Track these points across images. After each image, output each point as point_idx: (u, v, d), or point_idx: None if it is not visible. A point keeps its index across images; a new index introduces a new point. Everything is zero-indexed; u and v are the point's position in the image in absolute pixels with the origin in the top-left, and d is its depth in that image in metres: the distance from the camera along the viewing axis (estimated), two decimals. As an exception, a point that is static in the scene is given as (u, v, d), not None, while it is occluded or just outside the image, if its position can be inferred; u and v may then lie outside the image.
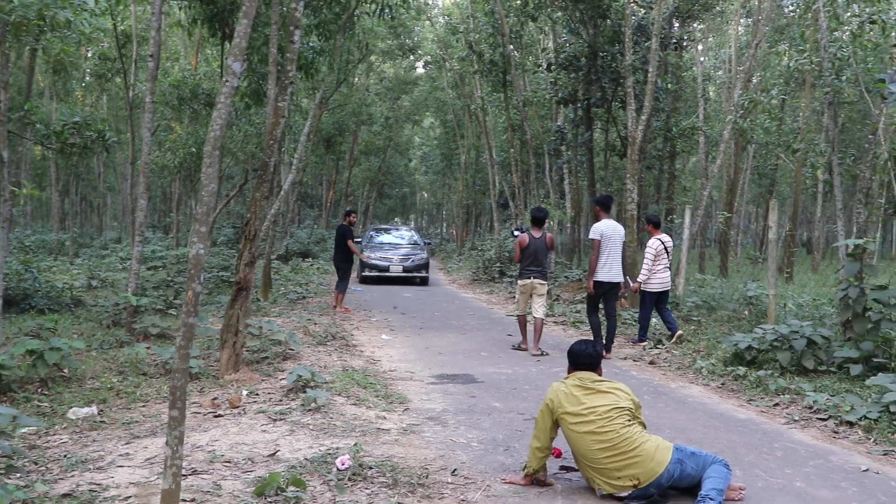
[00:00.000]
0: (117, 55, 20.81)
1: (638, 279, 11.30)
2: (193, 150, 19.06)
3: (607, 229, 10.34)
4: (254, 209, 8.21)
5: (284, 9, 10.24)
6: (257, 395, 7.32)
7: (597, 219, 10.69)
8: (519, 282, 10.90)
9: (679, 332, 11.13)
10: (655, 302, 11.38)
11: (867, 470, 5.59)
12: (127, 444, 5.67)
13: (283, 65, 8.43)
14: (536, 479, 4.96)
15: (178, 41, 28.64)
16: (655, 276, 11.21)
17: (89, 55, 27.74)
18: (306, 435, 5.94)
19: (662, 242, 11.32)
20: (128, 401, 7.01)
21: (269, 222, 13.73)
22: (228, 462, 5.24)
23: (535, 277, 10.65)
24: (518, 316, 11.00)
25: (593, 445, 4.60)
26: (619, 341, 11.57)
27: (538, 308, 10.58)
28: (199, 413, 6.62)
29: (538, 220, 10.82)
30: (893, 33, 13.41)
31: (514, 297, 11.38)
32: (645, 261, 11.25)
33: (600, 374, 4.96)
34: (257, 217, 8.21)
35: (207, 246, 3.90)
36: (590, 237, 10.56)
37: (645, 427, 4.77)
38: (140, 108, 19.76)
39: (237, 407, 6.80)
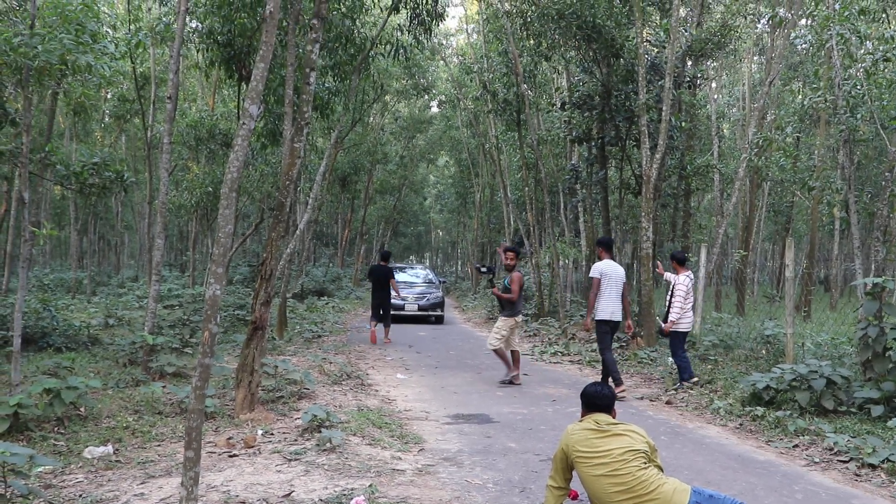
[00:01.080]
0: (136, 97, 21.10)
1: (670, 318, 10.80)
2: (210, 189, 19.23)
3: (608, 268, 10.51)
4: (270, 249, 8.26)
5: (300, 51, 10.39)
6: (272, 434, 7.31)
7: (599, 259, 10.85)
8: (515, 318, 11.34)
9: (695, 378, 10.77)
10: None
11: None
12: (142, 483, 5.66)
13: (299, 105, 8.53)
14: None
15: (196, 82, 29.03)
16: (686, 316, 10.90)
17: (109, 97, 28.15)
18: (321, 475, 5.91)
19: (691, 279, 11.06)
20: (143, 440, 7.01)
21: (284, 261, 13.80)
22: (243, 503, 5.22)
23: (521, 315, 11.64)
24: (497, 350, 11.26)
25: (609, 488, 4.55)
26: (635, 381, 11.51)
27: (517, 342, 11.79)
28: (214, 452, 6.61)
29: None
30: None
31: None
32: (676, 299, 10.83)
33: (614, 416, 4.92)
34: (273, 257, 8.25)
35: (223, 286, 3.93)
36: (590, 275, 10.78)
37: (662, 470, 4.71)
38: (158, 149, 20.00)
39: (252, 447, 6.78)
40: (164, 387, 8.99)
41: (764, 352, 12.76)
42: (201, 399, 3.95)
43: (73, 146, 27.40)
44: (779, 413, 8.51)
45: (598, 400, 4.90)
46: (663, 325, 11.03)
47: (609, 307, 10.44)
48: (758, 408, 8.84)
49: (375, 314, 16.72)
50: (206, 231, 26.68)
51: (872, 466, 6.69)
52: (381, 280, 16.71)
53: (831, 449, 7.21)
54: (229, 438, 7.01)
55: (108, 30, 18.26)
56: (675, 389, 10.61)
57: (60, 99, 19.12)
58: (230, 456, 6.51)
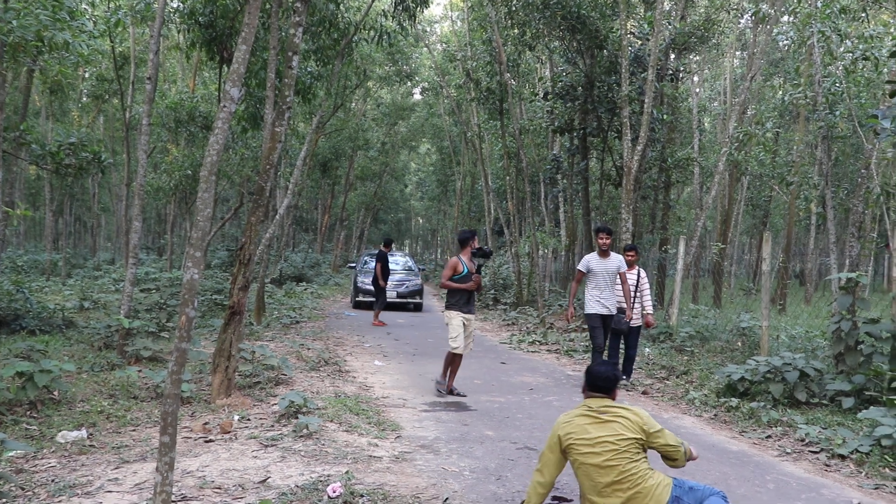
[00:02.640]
0: (115, 77, 20.89)
1: (647, 311, 10.60)
2: (189, 172, 19.08)
3: (593, 261, 10.11)
4: (248, 233, 8.20)
5: (283, 34, 10.30)
6: (249, 420, 7.27)
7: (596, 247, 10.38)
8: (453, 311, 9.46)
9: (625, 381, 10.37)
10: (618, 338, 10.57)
11: (858, 503, 5.56)
12: (116, 468, 5.61)
13: (281, 90, 8.46)
14: None
15: (177, 64, 28.77)
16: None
17: (86, 76, 27.84)
18: (298, 462, 5.89)
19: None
20: (118, 425, 6.96)
21: (263, 246, 13.73)
22: (219, 488, 5.19)
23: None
24: (458, 355, 9.43)
25: (596, 477, 4.55)
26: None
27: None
28: (190, 438, 6.57)
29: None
30: (885, 69, 13.53)
31: (511, 327, 10.96)
32: (644, 292, 10.66)
33: (614, 399, 4.88)
34: (252, 241, 8.19)
35: (201, 271, 3.89)
36: (578, 267, 10.46)
37: (673, 449, 4.62)
38: (136, 130, 19.82)
39: (228, 432, 6.75)
40: (139, 371, 8.92)
41: (739, 344, 12.87)
42: (177, 384, 3.92)
43: (49, 125, 27.12)
44: (753, 404, 8.60)
45: (599, 381, 4.85)
46: (651, 319, 10.71)
47: (595, 300, 10.06)
48: (732, 399, 8.93)
49: (384, 298, 18.51)
50: (185, 214, 26.49)
51: (842, 457, 6.77)
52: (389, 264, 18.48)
53: (803, 440, 7.30)
54: (205, 424, 6.97)
55: (87, 7, 18.03)
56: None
57: (36, 76, 18.89)
58: (206, 441, 6.47)
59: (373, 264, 24.13)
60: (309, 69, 14.89)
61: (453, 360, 9.38)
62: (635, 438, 4.54)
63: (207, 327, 13.62)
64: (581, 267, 10.23)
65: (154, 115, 18.56)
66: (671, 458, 4.65)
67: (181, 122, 19.63)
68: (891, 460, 6.49)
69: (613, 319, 10.24)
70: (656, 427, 4.60)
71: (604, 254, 10.07)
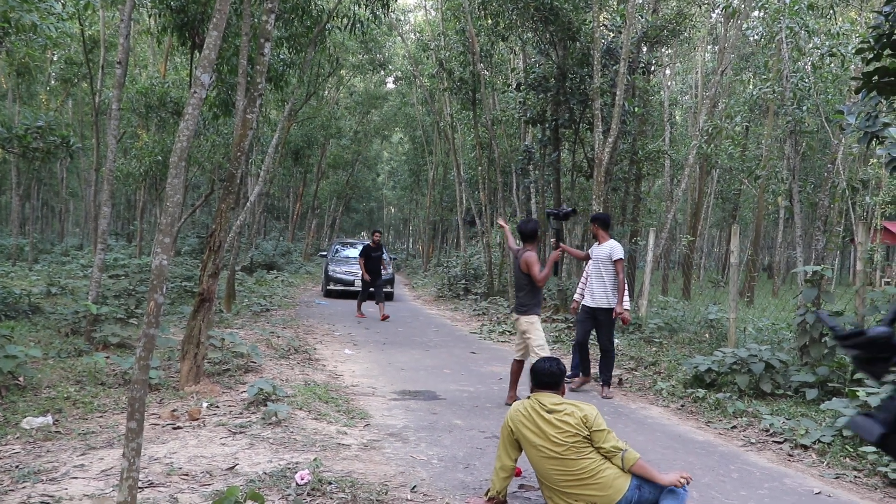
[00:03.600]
0: (84, 60, 20.62)
1: (624, 306, 9.49)
2: (160, 158, 18.90)
3: (594, 248, 9.45)
4: (219, 220, 8.17)
5: (256, 20, 10.24)
6: (217, 407, 7.26)
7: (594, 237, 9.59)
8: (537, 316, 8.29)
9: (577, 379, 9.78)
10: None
11: (819, 493, 5.67)
12: (82, 455, 5.58)
13: (253, 76, 8.42)
14: (498, 502, 4.95)
15: (148, 48, 28.45)
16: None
17: (55, 59, 27.46)
18: (266, 449, 5.89)
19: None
20: (84, 411, 6.91)
21: (234, 233, 13.66)
22: (186, 475, 5.19)
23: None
24: (521, 361, 8.48)
25: (551, 470, 4.61)
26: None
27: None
28: (158, 424, 6.55)
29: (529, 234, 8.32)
30: (852, 66, 13.72)
31: (482, 317, 10.28)
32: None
33: (562, 394, 4.96)
34: (222, 228, 8.16)
35: (171, 257, 3.88)
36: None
37: (607, 451, 4.67)
38: (106, 115, 19.58)
39: (197, 419, 6.73)
40: (107, 357, 8.85)
41: (707, 335, 13.02)
42: (145, 370, 3.91)
43: (15, 108, 26.70)
44: (719, 395, 8.71)
45: (544, 377, 4.93)
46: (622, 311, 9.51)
47: (588, 291, 9.46)
48: (699, 390, 9.04)
49: (364, 294, 17.89)
50: (155, 200, 26.23)
51: (805, 447, 6.90)
52: (373, 260, 17.61)
53: (767, 430, 7.42)
54: (173, 411, 6.95)
55: (56, -11, 17.75)
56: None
57: (3, 58, 18.61)
58: (174, 428, 6.45)
59: (345, 253, 24.12)
60: (281, 56, 14.80)
61: (518, 370, 8.35)
62: (581, 435, 4.58)
63: (177, 314, 13.55)
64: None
65: (124, 100, 18.35)
66: (613, 462, 4.66)
67: (152, 108, 19.42)
68: (851, 450, 6.62)
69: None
70: (601, 427, 4.63)
71: (598, 241, 9.45)
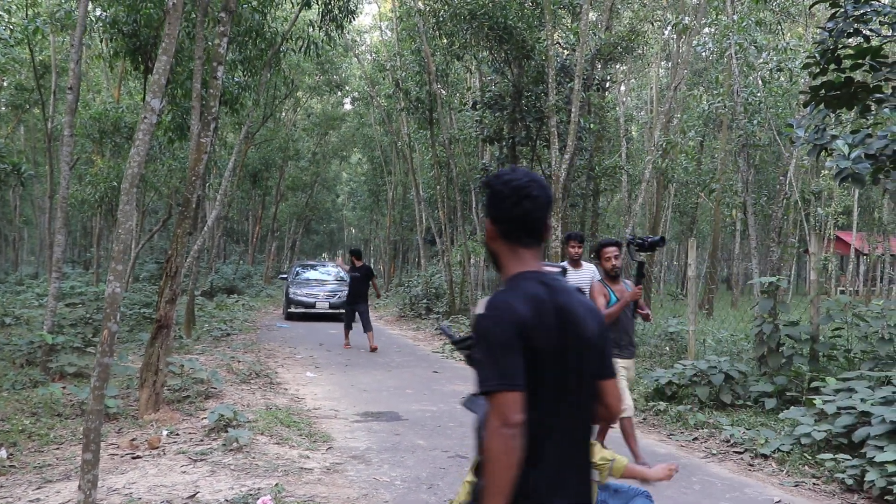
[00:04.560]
0: (35, 86, 20.36)
1: None
2: (115, 184, 18.65)
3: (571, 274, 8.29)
4: (175, 245, 8.09)
5: (209, 44, 10.20)
6: (178, 435, 7.16)
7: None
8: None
9: None
10: None
11: (779, 502, 5.75)
12: (38, 488, 5.47)
13: (207, 100, 8.38)
14: None
15: (101, 73, 28.15)
16: None
17: (5, 84, 27.05)
18: (227, 475, 5.83)
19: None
20: (40, 443, 6.78)
21: (192, 258, 13.52)
22: (145, 505, 5.11)
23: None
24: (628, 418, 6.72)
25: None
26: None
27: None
28: (117, 454, 6.44)
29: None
30: (801, 80, 14.02)
31: (444, 336, 9.96)
32: None
33: None
34: (179, 253, 8.08)
35: (126, 284, 3.84)
36: None
37: (606, 461, 4.67)
38: (59, 141, 19.34)
39: (156, 448, 6.64)
40: (63, 388, 8.70)
41: (667, 348, 13.14)
42: (100, 399, 3.85)
43: (-34, 137, 26.25)
44: (680, 407, 8.80)
45: None
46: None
47: None
48: (661, 402, 9.13)
49: (349, 319, 15.57)
50: (112, 227, 25.91)
51: (765, 456, 6.99)
52: (354, 282, 15.40)
53: (728, 441, 7.50)
54: (133, 440, 6.84)
55: (2, 13, 17.54)
56: None
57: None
58: (133, 457, 6.35)
59: (306, 275, 23.97)
60: (236, 79, 14.73)
61: (624, 425, 6.61)
62: None
63: (136, 341, 13.35)
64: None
65: (77, 126, 18.08)
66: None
67: (106, 133, 19.20)
68: (810, 458, 6.72)
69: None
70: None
71: (576, 264, 8.45)
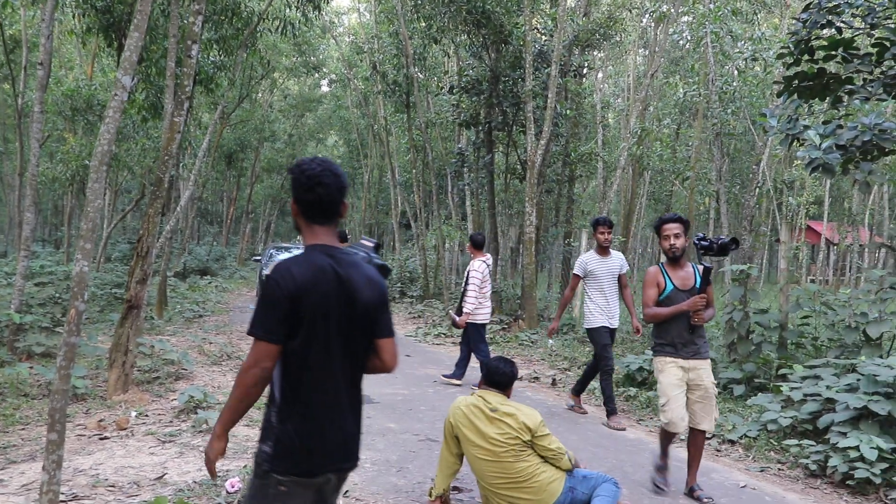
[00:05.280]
0: (5, 61, 20.01)
1: (465, 309, 9.52)
2: (87, 162, 18.46)
3: (593, 263, 8.17)
4: (146, 225, 8.01)
5: (183, 22, 10.08)
6: (147, 416, 7.12)
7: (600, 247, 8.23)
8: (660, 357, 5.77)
9: (458, 382, 9.81)
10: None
11: (745, 486, 5.82)
12: (2, 469, 5.42)
13: (181, 79, 8.28)
14: (444, 501, 4.95)
15: (73, 49, 27.76)
16: (484, 304, 9.70)
17: (-25, 60, 26.60)
18: (196, 457, 5.80)
19: (487, 265, 9.81)
20: (6, 424, 6.72)
21: (164, 239, 13.41)
22: (113, 486, 5.08)
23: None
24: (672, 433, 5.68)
25: (487, 470, 4.64)
26: (518, 363, 11.69)
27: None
28: (84, 435, 6.39)
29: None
30: (775, 70, 14.11)
31: (418, 320, 9.95)
32: (470, 287, 9.52)
33: (509, 396, 4.97)
34: (150, 233, 8.01)
35: (92, 263, 3.80)
36: (573, 272, 8.42)
37: (553, 454, 4.72)
38: (29, 117, 19.07)
39: (125, 429, 6.59)
40: (30, 368, 8.62)
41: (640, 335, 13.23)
42: (66, 379, 3.82)
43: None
44: (650, 393, 8.88)
45: (496, 375, 4.94)
46: (457, 318, 9.69)
47: (600, 310, 8.06)
48: (631, 388, 9.21)
49: None
50: (83, 206, 25.66)
51: (732, 442, 7.08)
52: None
53: (696, 426, 7.57)
54: (101, 421, 6.79)
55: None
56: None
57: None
58: (101, 438, 6.31)
59: (280, 257, 23.86)
60: (212, 59, 14.60)
61: (666, 436, 5.75)
62: (521, 439, 4.63)
63: (106, 322, 13.25)
64: (578, 270, 8.24)
65: (49, 103, 17.87)
66: (553, 464, 4.73)
67: (78, 111, 18.96)
68: (776, 444, 6.81)
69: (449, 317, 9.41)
70: (544, 431, 4.70)
71: (604, 251, 8.14)
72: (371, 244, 3.32)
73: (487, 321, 9.89)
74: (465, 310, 9.52)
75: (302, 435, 2.72)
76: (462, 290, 9.72)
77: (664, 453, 5.79)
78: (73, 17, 13.50)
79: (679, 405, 5.47)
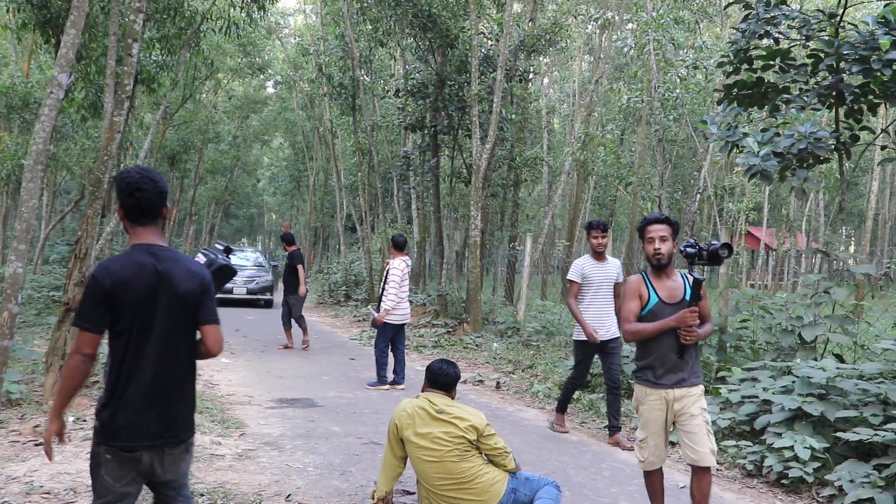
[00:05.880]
0: (-62, 57, 19.49)
1: (383, 307, 9.64)
2: (23, 162, 18.02)
3: (589, 268, 7.64)
4: (85, 227, 7.85)
5: (124, 19, 9.90)
6: (85, 421, 6.97)
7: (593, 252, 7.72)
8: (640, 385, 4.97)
9: (400, 385, 9.86)
10: (394, 338, 9.98)
11: (684, 487, 5.92)
12: (-68, 476, 5.27)
13: (122, 78, 8.14)
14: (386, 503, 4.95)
15: (8, 45, 27.08)
16: (400, 305, 9.82)
17: None
18: (134, 463, 5.69)
19: (407, 265, 10.02)
20: (-64, 429, 6.52)
21: (105, 240, 13.15)
22: (48, 493, 4.97)
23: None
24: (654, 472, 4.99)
25: (432, 474, 4.65)
26: (461, 366, 11.71)
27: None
28: (18, 442, 6.23)
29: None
30: (716, 79, 14.40)
31: (363, 323, 9.98)
32: (390, 286, 9.65)
33: (454, 397, 4.99)
34: (89, 235, 7.84)
35: (28, 265, 3.73)
36: (568, 277, 7.85)
37: (499, 453, 4.76)
38: (-36, 116, 18.57)
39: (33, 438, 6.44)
40: (-37, 372, 8.38)
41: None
42: (-1, 383, 3.72)
43: None
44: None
45: (440, 377, 4.96)
46: (375, 315, 9.82)
47: (593, 322, 7.54)
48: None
49: (286, 314, 13.39)
50: (19, 207, 25.05)
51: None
52: (286, 269, 13.45)
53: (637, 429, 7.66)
54: (36, 426, 6.63)
55: None
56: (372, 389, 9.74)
57: None
58: (36, 444, 6.15)
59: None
60: (153, 58, 14.37)
61: (649, 480, 4.99)
62: (467, 438, 4.65)
63: (44, 325, 12.95)
64: (574, 276, 7.67)
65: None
66: (498, 464, 4.79)
67: (14, 109, 18.50)
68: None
69: (371, 320, 9.68)
70: (490, 431, 4.75)
71: (599, 256, 7.67)
72: (221, 247, 3.85)
73: (405, 322, 10.02)
74: (383, 306, 9.65)
75: (117, 414, 3.09)
76: (381, 288, 9.89)
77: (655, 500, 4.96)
78: (8, 10, 13.15)
79: (658, 443, 4.79)
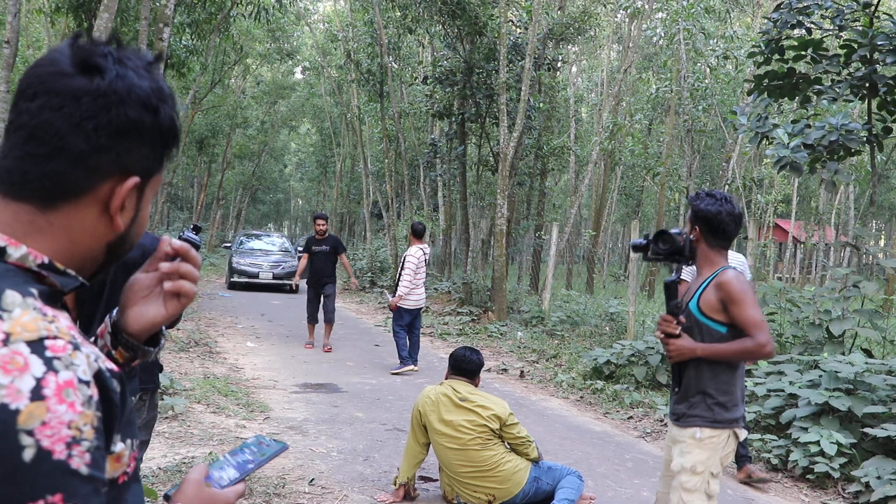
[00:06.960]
0: (-26, 41, 19.68)
1: (398, 292, 9.91)
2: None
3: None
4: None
5: (155, 4, 9.97)
6: None
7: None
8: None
9: (413, 366, 10.02)
10: (410, 322, 10.14)
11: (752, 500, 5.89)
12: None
13: (152, 62, 8.19)
14: (407, 493, 4.97)
15: (42, 29, 27.33)
16: (414, 292, 10.03)
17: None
18: (161, 444, 5.77)
19: (424, 253, 10.15)
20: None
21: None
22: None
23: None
24: None
25: (453, 459, 4.66)
26: (486, 354, 11.72)
27: None
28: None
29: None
30: (746, 69, 14.25)
31: (387, 310, 9.93)
32: (405, 272, 9.83)
33: (477, 385, 5.00)
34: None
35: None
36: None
37: (522, 442, 4.77)
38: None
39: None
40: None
41: (607, 328, 13.33)
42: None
43: None
44: (617, 386, 8.95)
45: (464, 364, 4.97)
46: (390, 299, 10.13)
47: None
48: (598, 381, 9.26)
49: (312, 308, 11.91)
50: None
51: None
52: (319, 256, 11.79)
53: (662, 420, 7.65)
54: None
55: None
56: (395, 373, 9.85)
57: None
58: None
59: (250, 245, 23.71)
60: (184, 42, 14.45)
61: None
62: (489, 427, 4.66)
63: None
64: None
65: (15, 82, 17.59)
66: (520, 452, 4.80)
67: (46, 92, 18.67)
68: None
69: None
70: (513, 420, 4.76)
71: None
72: (191, 226, 3.91)
73: (420, 307, 10.26)
74: (398, 292, 9.90)
75: None
76: (398, 274, 10.14)
77: None
78: (42, -5, 13.29)
79: (661, 481, 3.68)
